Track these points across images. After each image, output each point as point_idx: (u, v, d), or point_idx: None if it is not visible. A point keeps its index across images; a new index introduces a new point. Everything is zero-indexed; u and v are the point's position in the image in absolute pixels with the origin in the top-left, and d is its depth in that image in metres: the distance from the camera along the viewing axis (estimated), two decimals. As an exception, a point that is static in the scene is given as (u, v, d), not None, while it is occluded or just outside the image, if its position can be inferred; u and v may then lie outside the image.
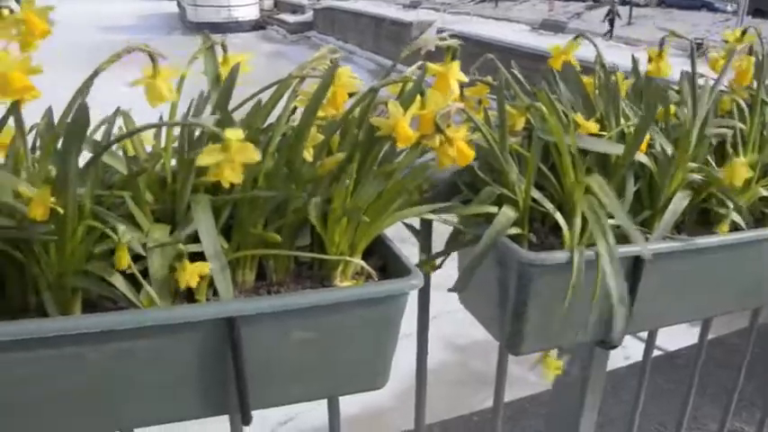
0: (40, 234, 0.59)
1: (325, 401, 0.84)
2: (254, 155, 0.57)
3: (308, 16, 29.51)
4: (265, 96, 0.72)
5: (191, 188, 0.66)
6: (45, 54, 0.66)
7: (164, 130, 0.71)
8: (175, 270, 0.65)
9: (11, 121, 0.66)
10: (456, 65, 0.78)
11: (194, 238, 0.66)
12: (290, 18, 30.53)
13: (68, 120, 0.59)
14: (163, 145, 0.70)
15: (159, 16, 37.34)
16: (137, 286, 0.63)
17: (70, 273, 0.63)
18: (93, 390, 0.65)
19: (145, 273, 0.64)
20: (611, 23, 18.15)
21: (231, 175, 0.61)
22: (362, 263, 0.72)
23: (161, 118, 0.73)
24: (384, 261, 0.78)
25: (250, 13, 32.09)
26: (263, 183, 0.68)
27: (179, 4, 37.92)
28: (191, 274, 0.63)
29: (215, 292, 0.70)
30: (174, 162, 0.69)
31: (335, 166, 0.70)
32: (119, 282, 0.62)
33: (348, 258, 0.72)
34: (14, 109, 0.66)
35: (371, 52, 22.36)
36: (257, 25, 31.83)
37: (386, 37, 22.08)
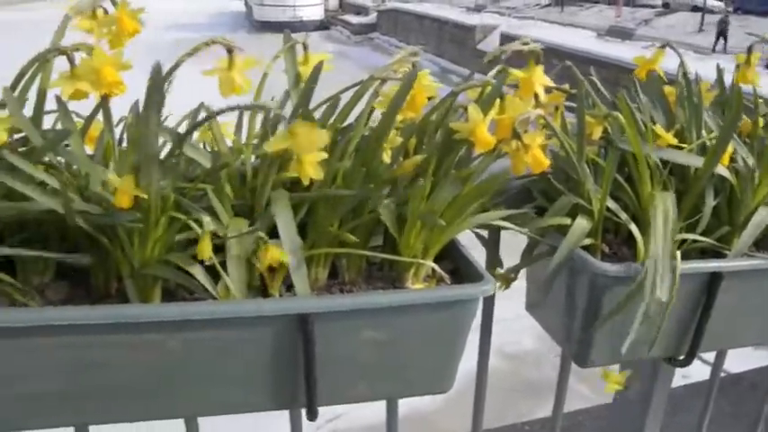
0: (125, 221, 0.61)
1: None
2: (322, 138, 0.58)
3: (371, 18, 29.68)
4: (344, 96, 0.73)
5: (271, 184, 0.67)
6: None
7: (244, 126, 0.72)
8: (252, 265, 0.66)
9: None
10: (540, 70, 0.77)
11: (271, 235, 0.67)
12: (353, 19, 30.76)
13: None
14: (243, 141, 0.72)
15: (226, 14, 38.15)
16: (214, 278, 0.65)
17: (152, 262, 0.65)
18: (167, 376, 0.67)
19: (221, 266, 0.65)
20: (723, 36, 16.73)
21: (311, 171, 0.62)
22: (435, 266, 0.72)
23: (240, 114, 0.75)
24: (455, 265, 0.78)
25: (315, 13, 32.46)
26: (341, 182, 0.69)
27: (246, 3, 38.66)
28: (272, 257, 0.64)
29: (287, 288, 0.71)
30: (253, 158, 0.71)
31: (413, 169, 0.70)
32: (198, 272, 0.63)
33: (421, 261, 0.72)
34: (104, 103, 0.69)
35: (434, 55, 22.34)
36: (321, 25, 32.17)
37: (449, 40, 22.03)
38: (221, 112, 0.65)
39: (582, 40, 17.05)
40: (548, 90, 0.90)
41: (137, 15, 0.73)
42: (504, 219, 0.78)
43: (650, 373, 1.15)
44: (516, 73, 0.77)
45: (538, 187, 0.90)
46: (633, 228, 0.84)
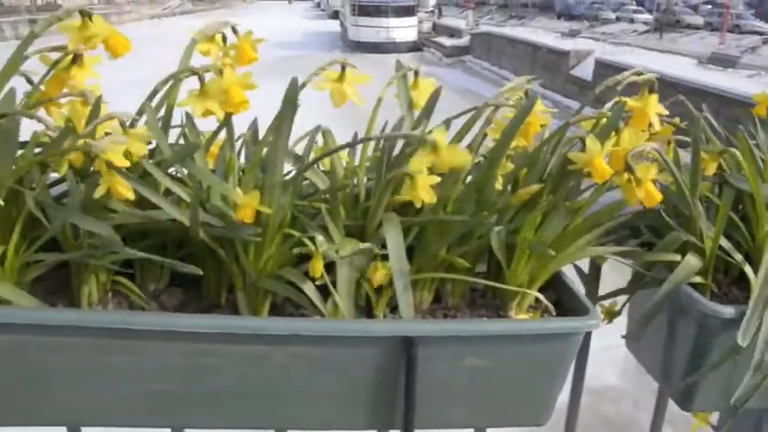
0: (244, 235, 0.64)
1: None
2: (465, 157, 0.59)
3: (464, 41, 29.72)
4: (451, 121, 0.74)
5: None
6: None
7: (358, 148, 0.74)
8: (359, 285, 0.67)
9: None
10: (654, 99, 0.76)
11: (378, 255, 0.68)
12: (446, 41, 30.89)
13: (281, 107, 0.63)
14: (357, 163, 0.73)
15: (321, 34, 39.12)
16: (323, 295, 0.66)
17: (265, 276, 0.67)
18: (271, 388, 0.69)
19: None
20: None
21: (425, 195, 0.63)
22: (541, 296, 0.71)
23: (356, 136, 0.77)
24: (558, 296, 0.77)
25: (408, 35, 32.81)
26: (452, 208, 0.70)
27: (341, 24, 39.53)
28: (383, 275, 0.65)
29: (391, 310, 0.72)
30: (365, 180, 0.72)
31: (526, 198, 0.70)
32: (309, 289, 0.65)
33: (527, 291, 0.71)
34: (227, 120, 0.72)
35: (525, 79, 22.09)
36: (414, 47, 32.46)
37: (542, 65, 21.78)
38: (346, 146, 0.67)
39: (681, 68, 16.48)
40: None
41: (256, 45, 0.77)
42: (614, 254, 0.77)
43: (755, 422, 1.09)
44: (631, 103, 0.75)
45: (646, 221, 0.87)
46: (748, 269, 0.80)
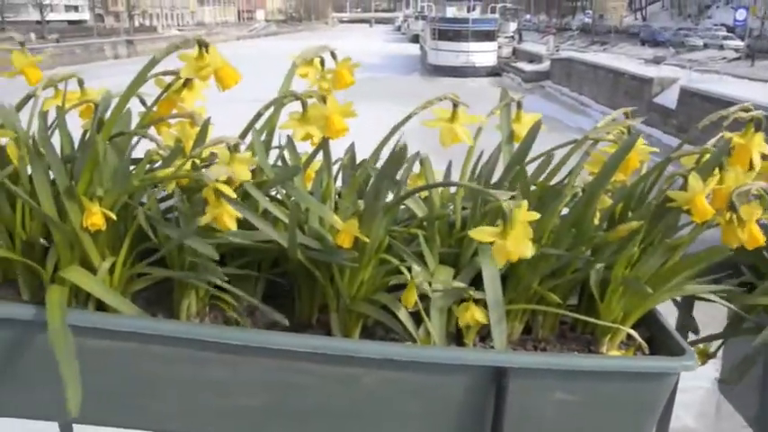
0: (342, 260, 0.65)
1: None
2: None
3: (544, 66, 29.47)
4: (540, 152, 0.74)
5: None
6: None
7: (454, 173, 0.75)
8: (451, 311, 0.68)
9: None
10: (760, 137, 0.73)
11: (472, 284, 0.68)
12: (526, 67, 30.71)
13: (380, 159, 0.64)
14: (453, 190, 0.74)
15: (400, 57, 39.53)
16: (415, 320, 0.67)
17: (359, 299, 0.68)
18: (356, 410, 0.69)
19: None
20: None
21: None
22: (634, 333, 0.70)
23: (449, 165, 0.77)
24: (651, 334, 0.75)
25: (488, 59, 32.81)
26: (547, 240, 0.69)
27: (421, 48, 39.88)
28: (471, 317, 0.65)
29: (481, 339, 0.72)
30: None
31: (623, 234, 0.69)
32: (403, 315, 0.66)
33: (621, 327, 0.70)
34: (325, 145, 0.74)
35: (606, 106, 21.70)
36: (493, 71, 32.41)
37: (623, 92, 21.33)
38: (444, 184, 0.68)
39: (772, 98, 15.79)
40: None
41: (353, 69, 0.79)
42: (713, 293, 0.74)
43: None
44: (736, 139, 0.73)
45: (746, 261, 0.84)
46: None
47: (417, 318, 0.67)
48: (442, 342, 0.66)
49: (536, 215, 0.62)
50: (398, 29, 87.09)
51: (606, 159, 0.71)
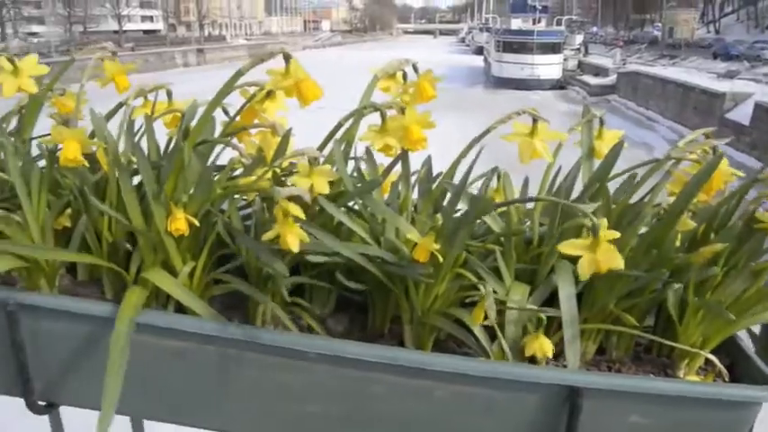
0: (418, 274, 0.66)
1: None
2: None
3: (610, 79, 28.90)
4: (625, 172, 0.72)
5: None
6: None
7: (530, 189, 0.74)
8: (525, 328, 0.67)
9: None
10: None
11: (548, 301, 0.67)
12: (591, 80, 30.18)
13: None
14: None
15: (463, 69, 39.40)
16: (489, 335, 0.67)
17: (433, 312, 0.68)
18: (428, 422, 0.69)
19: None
20: None
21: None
22: (714, 359, 0.68)
23: (526, 180, 0.77)
24: (731, 360, 0.72)
25: (553, 72, 32.38)
26: (626, 260, 0.68)
27: (485, 60, 39.68)
28: (539, 347, 0.65)
29: (554, 357, 0.71)
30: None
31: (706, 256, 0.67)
32: (478, 330, 0.66)
33: (700, 352, 0.68)
34: (404, 156, 0.75)
35: (674, 122, 21.12)
36: (558, 84, 31.97)
37: (693, 107, 20.70)
38: (523, 200, 0.68)
39: None
40: None
41: (435, 83, 0.79)
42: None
43: None
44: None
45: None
46: None
47: (491, 333, 0.67)
48: (516, 359, 0.66)
49: (616, 234, 0.61)
50: (462, 40, 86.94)
51: (688, 179, 0.70)
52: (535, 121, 0.67)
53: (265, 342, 0.68)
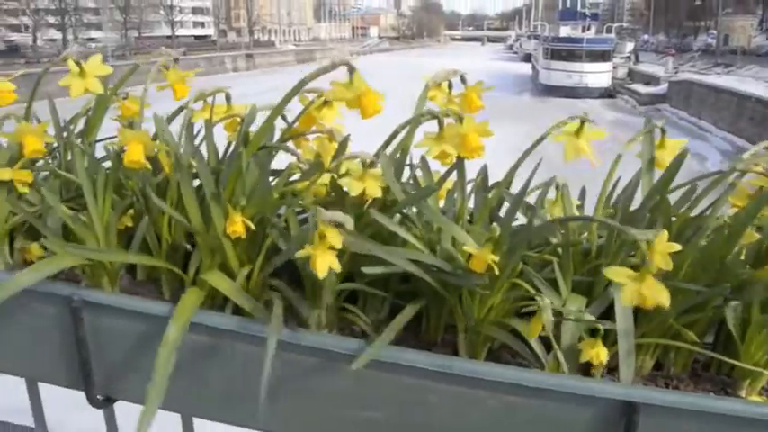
0: (474, 284, 0.65)
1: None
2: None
3: (661, 88, 28.33)
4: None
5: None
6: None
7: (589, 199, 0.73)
8: (580, 339, 0.66)
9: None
10: None
11: (604, 314, 0.67)
12: (641, 89, 29.64)
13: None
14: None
15: (510, 76, 39.10)
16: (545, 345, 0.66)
17: (488, 322, 0.68)
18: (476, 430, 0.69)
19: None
20: None
21: (661, 262, 0.61)
22: (778, 380, 0.66)
23: (583, 190, 0.76)
24: (796, 383, 0.70)
25: (602, 80, 31.90)
26: (686, 274, 0.67)
27: (533, 67, 39.35)
28: (596, 354, 0.64)
29: (608, 371, 0.70)
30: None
31: (770, 272, 0.65)
32: (533, 340, 0.65)
33: (764, 371, 0.66)
34: (460, 164, 0.75)
35: (728, 132, 20.59)
36: (606, 93, 31.49)
37: (748, 117, 20.15)
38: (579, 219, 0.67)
39: None
40: None
41: (481, 94, 0.79)
42: None
43: None
44: None
45: None
46: None
47: (546, 344, 0.66)
48: (572, 371, 0.65)
49: (677, 246, 0.60)
50: (510, 48, 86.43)
51: (752, 192, 0.68)
52: (582, 122, 0.67)
53: (319, 346, 0.69)
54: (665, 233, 0.60)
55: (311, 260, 0.64)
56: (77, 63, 0.78)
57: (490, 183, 0.79)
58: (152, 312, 0.72)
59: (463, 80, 0.82)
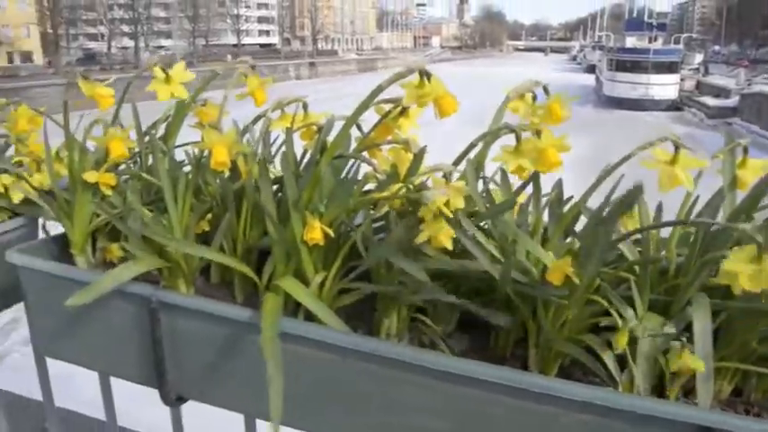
0: (552, 295, 0.65)
1: None
2: None
3: (732, 101, 27.42)
4: None
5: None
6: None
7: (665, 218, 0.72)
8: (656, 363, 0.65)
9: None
10: None
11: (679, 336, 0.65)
12: (711, 101, 28.74)
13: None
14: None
15: (574, 88, 38.48)
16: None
17: (561, 338, 0.67)
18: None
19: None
20: None
21: (745, 282, 0.59)
22: None
23: (660, 206, 0.74)
24: None
25: (668, 92, 31.12)
26: (773, 296, 0.65)
27: (597, 78, 38.69)
28: (684, 365, 0.62)
29: (684, 393, 0.68)
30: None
31: None
32: (609, 359, 0.64)
33: None
34: (536, 179, 0.74)
35: (802, 148, 19.77)
36: (673, 105, 30.69)
37: (826, 133, 19.32)
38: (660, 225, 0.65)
39: None
40: None
41: (566, 105, 0.78)
42: None
43: None
44: None
45: None
46: None
47: (621, 362, 0.65)
48: (647, 391, 0.63)
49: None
50: (574, 58, 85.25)
51: None
52: (677, 147, 0.65)
53: (389, 355, 0.69)
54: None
55: (433, 238, 0.67)
56: (163, 70, 0.81)
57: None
58: (230, 316, 0.74)
59: (546, 91, 0.82)
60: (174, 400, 0.87)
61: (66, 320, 0.88)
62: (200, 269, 0.88)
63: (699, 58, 42.08)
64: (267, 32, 61.41)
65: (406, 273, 0.70)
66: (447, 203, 0.67)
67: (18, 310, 1.07)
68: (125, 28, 43.18)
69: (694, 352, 0.63)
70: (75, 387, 1.56)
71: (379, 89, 0.70)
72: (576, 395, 0.62)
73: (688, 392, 0.68)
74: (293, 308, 0.77)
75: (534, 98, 0.82)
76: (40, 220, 1.08)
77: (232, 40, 50.44)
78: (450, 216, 0.65)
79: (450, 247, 0.66)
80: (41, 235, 1.06)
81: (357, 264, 0.76)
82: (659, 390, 0.68)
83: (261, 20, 60.00)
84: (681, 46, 38.19)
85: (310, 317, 0.74)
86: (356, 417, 0.75)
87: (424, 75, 0.69)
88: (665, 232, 0.75)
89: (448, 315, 0.78)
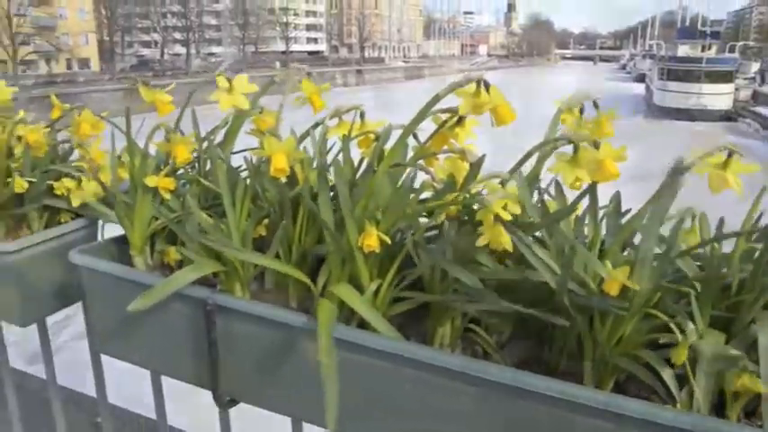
0: (609, 306, 0.64)
1: None
2: None
3: (790, 112, 26.61)
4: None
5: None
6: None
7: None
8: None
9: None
10: None
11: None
12: (767, 111, 27.94)
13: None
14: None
15: (624, 97, 37.86)
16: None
17: (618, 352, 0.66)
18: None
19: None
20: None
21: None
22: None
23: (722, 221, 0.73)
24: None
25: (722, 102, 30.37)
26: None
27: (647, 87, 38.00)
28: (743, 385, 0.61)
29: (746, 415, 0.66)
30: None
31: None
32: (668, 375, 0.63)
33: None
34: (593, 189, 0.74)
35: None
36: (726, 115, 29.93)
37: None
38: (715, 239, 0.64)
39: None
40: None
41: (611, 119, 0.77)
42: None
43: None
44: None
45: None
46: None
47: (680, 380, 0.64)
48: (707, 410, 0.62)
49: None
50: (623, 67, 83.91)
51: None
52: (730, 154, 0.64)
53: (443, 365, 0.69)
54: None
55: (493, 241, 0.67)
56: (228, 80, 0.83)
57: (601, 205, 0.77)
58: (285, 321, 0.75)
59: (596, 105, 0.82)
60: (227, 402, 0.88)
61: (123, 319, 0.90)
62: (256, 274, 0.89)
63: (755, 66, 40.98)
64: (315, 40, 62.14)
65: (459, 282, 0.70)
66: (504, 207, 0.67)
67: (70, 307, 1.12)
68: (177, 35, 44.27)
69: (758, 372, 0.61)
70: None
71: (437, 98, 0.70)
72: (638, 413, 0.61)
73: (750, 414, 0.66)
74: (347, 314, 0.77)
75: (582, 110, 0.82)
76: (100, 222, 1.12)
77: (281, 47, 51.18)
78: (509, 219, 0.65)
79: (510, 248, 0.66)
80: (100, 237, 1.10)
81: (409, 272, 0.76)
82: (717, 408, 0.67)
83: (309, 27, 60.74)
84: (736, 54, 37.26)
85: (362, 324, 0.75)
86: (406, 425, 0.75)
87: (483, 84, 0.69)
88: (727, 248, 0.74)
89: (501, 326, 0.78)
